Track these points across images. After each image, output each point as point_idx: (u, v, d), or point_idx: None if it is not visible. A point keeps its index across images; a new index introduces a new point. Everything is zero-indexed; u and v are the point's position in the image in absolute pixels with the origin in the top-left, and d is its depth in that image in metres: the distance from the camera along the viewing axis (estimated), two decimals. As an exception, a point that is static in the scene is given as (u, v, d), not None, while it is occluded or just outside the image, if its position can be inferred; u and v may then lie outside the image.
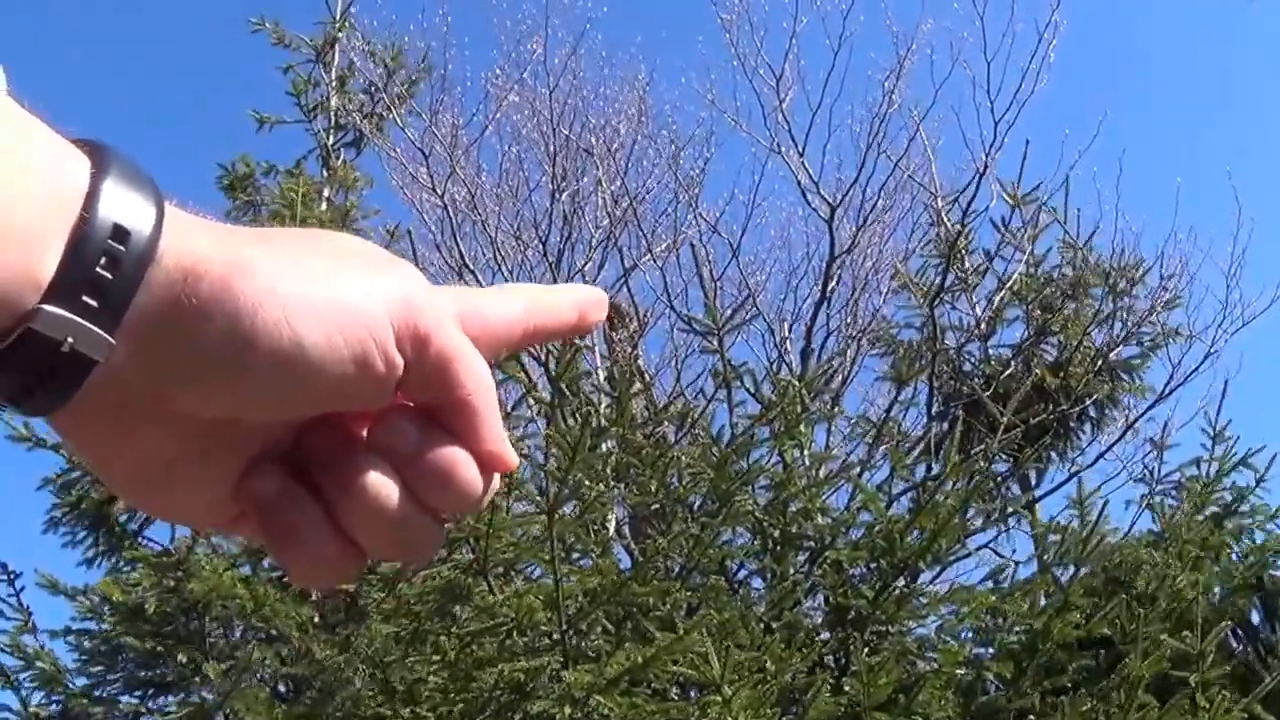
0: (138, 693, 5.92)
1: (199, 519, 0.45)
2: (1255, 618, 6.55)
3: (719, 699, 3.50)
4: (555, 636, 3.96)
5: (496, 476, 0.45)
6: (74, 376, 0.38)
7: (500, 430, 0.44)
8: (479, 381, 0.43)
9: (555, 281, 11.76)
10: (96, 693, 5.84)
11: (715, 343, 5.36)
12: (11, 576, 5.88)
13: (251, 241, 0.40)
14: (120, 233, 0.37)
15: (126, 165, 0.39)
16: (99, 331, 0.37)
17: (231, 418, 0.41)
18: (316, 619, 5.64)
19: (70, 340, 0.37)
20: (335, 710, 4.75)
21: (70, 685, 5.79)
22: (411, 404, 0.43)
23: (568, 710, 3.49)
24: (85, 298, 0.37)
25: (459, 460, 0.43)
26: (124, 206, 0.38)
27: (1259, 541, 5.77)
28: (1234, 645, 6.44)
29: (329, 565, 0.43)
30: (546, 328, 0.48)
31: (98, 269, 0.37)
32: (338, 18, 9.24)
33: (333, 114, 9.24)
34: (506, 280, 11.75)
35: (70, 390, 0.38)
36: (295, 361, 0.39)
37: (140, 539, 6.33)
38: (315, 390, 0.40)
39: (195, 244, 0.39)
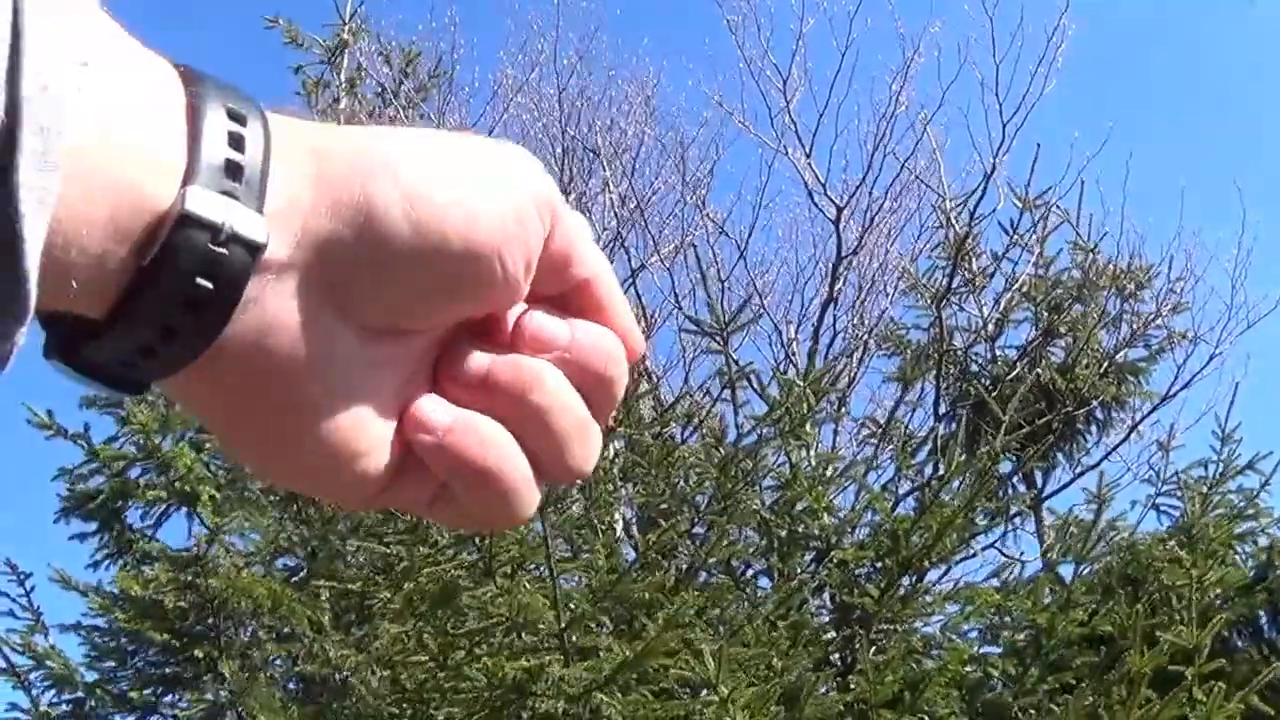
0: (149, 689, 5.95)
1: (353, 484, 0.37)
2: (1262, 617, 6.56)
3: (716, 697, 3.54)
4: (555, 636, 3.99)
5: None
6: (228, 289, 0.31)
7: (629, 309, 0.40)
8: (601, 259, 0.40)
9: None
10: (107, 689, 5.88)
11: (720, 343, 5.39)
12: (21, 577, 5.91)
13: (377, 135, 0.36)
14: (236, 116, 0.33)
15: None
16: (251, 211, 0.32)
17: (387, 329, 0.36)
18: (328, 619, 5.69)
19: (228, 224, 0.31)
20: (346, 710, 4.80)
21: (83, 678, 5.82)
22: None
23: (562, 706, 3.53)
24: (226, 178, 0.32)
25: (611, 341, 0.39)
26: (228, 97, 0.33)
27: (1262, 544, 5.79)
28: (1239, 644, 6.44)
29: (523, 493, 0.37)
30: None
31: (230, 150, 0.32)
32: (348, 19, 9.28)
33: (341, 117, 9.29)
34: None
35: (223, 312, 0.32)
36: (467, 241, 0.35)
37: (152, 538, 6.37)
38: (478, 271, 0.35)
39: (306, 132, 0.35)
